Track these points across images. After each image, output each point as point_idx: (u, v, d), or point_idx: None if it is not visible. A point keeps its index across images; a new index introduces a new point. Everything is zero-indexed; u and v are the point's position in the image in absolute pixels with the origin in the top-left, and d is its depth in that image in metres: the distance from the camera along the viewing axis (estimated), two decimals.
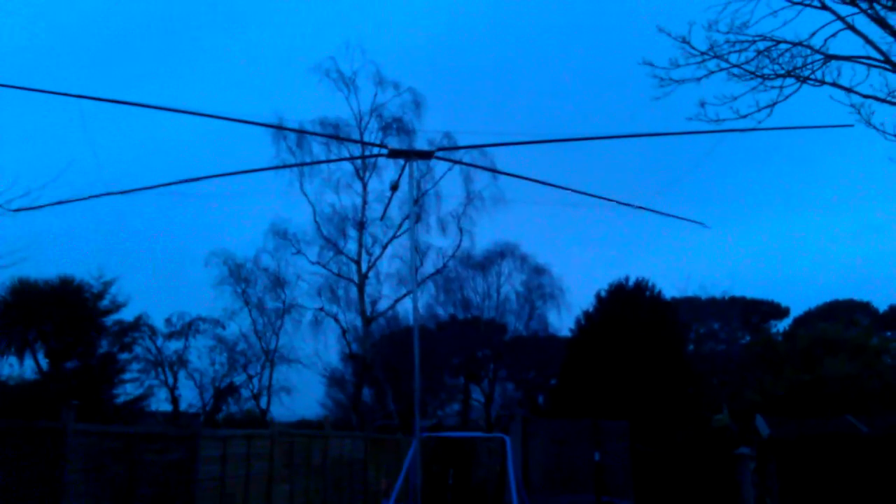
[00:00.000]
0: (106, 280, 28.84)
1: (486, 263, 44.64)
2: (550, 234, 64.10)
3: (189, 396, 35.42)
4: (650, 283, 31.17)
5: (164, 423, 28.54)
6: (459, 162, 33.26)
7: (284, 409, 37.83)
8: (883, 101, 12.69)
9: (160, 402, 33.66)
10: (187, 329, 35.21)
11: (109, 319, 29.52)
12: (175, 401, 34.42)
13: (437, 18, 64.90)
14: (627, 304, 30.08)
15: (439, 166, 36.43)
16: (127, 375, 31.09)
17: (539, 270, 44.66)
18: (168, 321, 34.98)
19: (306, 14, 65.55)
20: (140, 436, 13.40)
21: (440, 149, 15.91)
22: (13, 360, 26.97)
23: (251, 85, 57.88)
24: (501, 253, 44.61)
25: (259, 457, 16.81)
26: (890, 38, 12.48)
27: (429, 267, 39.64)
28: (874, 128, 12.89)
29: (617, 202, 9.94)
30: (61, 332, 26.96)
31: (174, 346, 34.96)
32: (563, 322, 43.12)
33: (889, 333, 44.85)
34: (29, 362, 27.14)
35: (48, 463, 10.93)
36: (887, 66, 12.53)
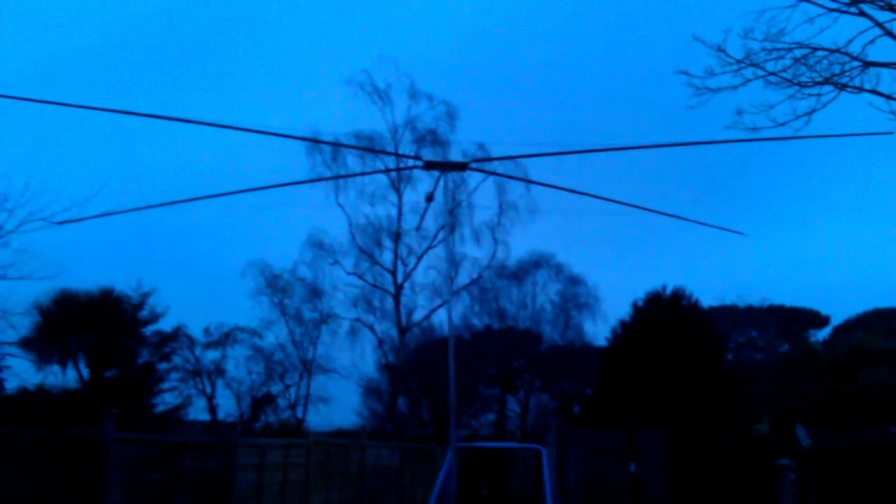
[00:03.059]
0: (145, 291, 29.21)
1: (521, 273, 44.56)
2: (586, 244, 63.62)
3: (227, 406, 35.66)
4: (687, 292, 30.91)
5: (202, 432, 28.80)
6: (493, 173, 33.36)
7: (321, 419, 37.95)
8: None
9: (198, 412, 33.97)
10: (225, 339, 35.45)
11: (148, 330, 29.90)
12: (213, 410, 34.69)
13: (471, 30, 65.03)
14: (664, 312, 29.82)
15: (473, 177, 36.53)
16: (166, 385, 31.47)
17: (574, 280, 44.49)
18: (206, 331, 35.27)
19: (340, 27, 65.97)
20: (178, 444, 13.56)
21: (474, 160, 15.94)
22: (56, 369, 27.40)
23: (286, 98, 58.36)
24: (536, 263, 44.52)
25: (295, 465, 16.91)
26: None
27: (464, 277, 39.79)
28: None
29: (653, 211, 9.89)
30: (102, 343, 27.34)
31: (212, 355, 35.20)
32: (598, 332, 42.85)
33: None
34: (71, 372, 27.56)
35: (89, 471, 11.10)
36: None
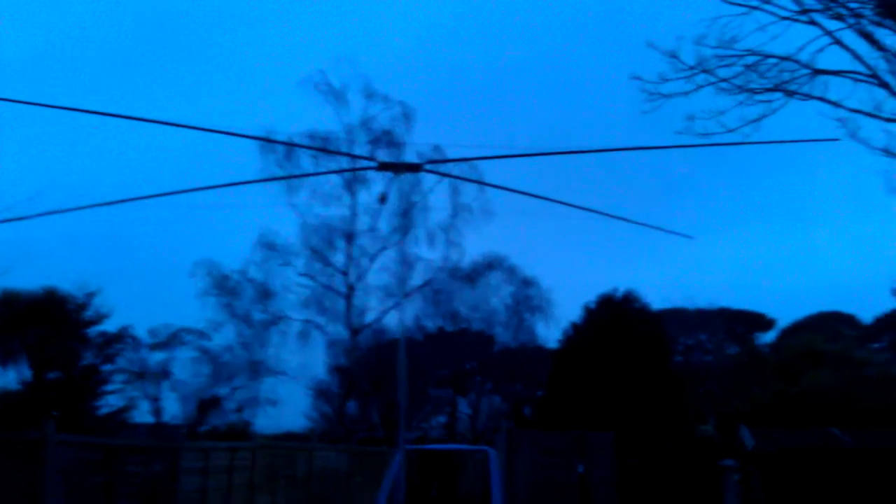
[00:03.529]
0: (89, 291, 28.64)
1: (475, 275, 44.54)
2: (539, 246, 64.00)
3: (172, 408, 35.16)
4: (638, 295, 31.23)
5: (146, 435, 28.31)
6: (447, 175, 33.31)
7: (270, 422, 37.51)
8: (869, 115, 12.78)
9: (143, 414, 33.36)
10: (171, 340, 34.95)
11: (93, 331, 29.32)
12: (158, 413, 34.16)
13: (428, 32, 65.01)
14: (615, 315, 30.09)
15: (428, 179, 36.45)
16: (110, 387, 30.87)
17: (527, 282, 44.61)
18: (152, 332, 34.71)
19: (295, 27, 65.43)
20: (122, 447, 13.27)
21: (429, 161, 15.92)
22: None
23: (240, 97, 57.59)
24: (490, 265, 44.54)
25: (241, 469, 16.66)
26: (877, 53, 12.57)
27: (417, 279, 39.61)
28: (861, 142, 12.97)
29: (604, 214, 9.94)
30: (45, 343, 26.76)
31: (158, 357, 34.69)
32: (551, 334, 42.97)
33: (875, 346, 45.06)
34: (12, 373, 26.94)
35: (29, 474, 10.79)
36: (874, 81, 12.61)
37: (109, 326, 30.12)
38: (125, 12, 61.83)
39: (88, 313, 28.81)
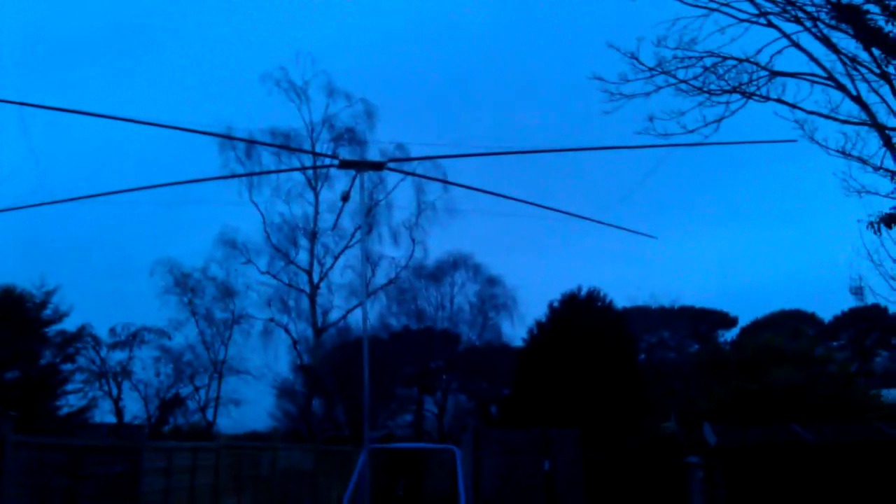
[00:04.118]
0: (48, 289, 28.27)
1: (439, 274, 44.72)
2: (503, 245, 64.37)
3: (134, 408, 34.81)
4: (602, 293, 31.47)
5: (107, 436, 27.96)
6: (411, 173, 33.32)
7: (233, 421, 37.31)
8: (826, 116, 12.99)
9: (104, 414, 33.01)
10: (132, 339, 34.59)
11: (52, 329, 28.93)
12: (119, 412, 33.80)
13: (390, 30, 65.03)
14: (579, 313, 30.30)
15: (391, 177, 36.48)
16: (70, 386, 30.49)
17: (492, 281, 44.88)
18: (112, 331, 34.33)
19: (255, 23, 65.12)
20: (82, 448, 13.10)
21: (392, 160, 15.91)
22: None
23: (199, 93, 57.10)
24: (454, 263, 44.74)
25: (205, 469, 16.55)
26: (833, 56, 12.77)
27: (381, 277, 39.63)
28: (817, 143, 13.19)
29: (569, 214, 10.04)
30: (2, 342, 26.30)
31: (118, 356, 34.34)
32: (516, 332, 43.30)
33: (834, 344, 45.86)
34: None
35: None
36: (830, 83, 12.82)
37: (69, 325, 29.84)
38: (82, 6, 60.96)
39: (47, 312, 28.45)
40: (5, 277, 27.50)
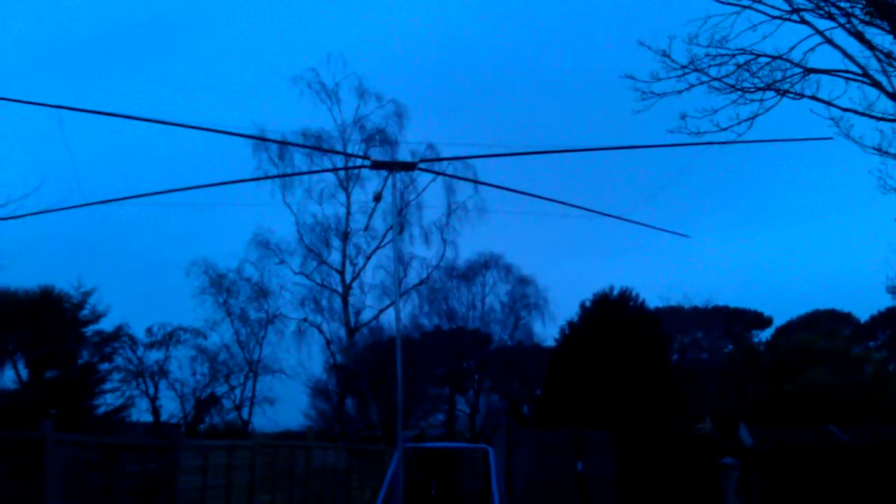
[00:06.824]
0: (86, 290, 28.60)
1: (471, 274, 44.72)
2: (534, 245, 64.26)
3: (170, 407, 35.08)
4: (634, 293, 31.32)
5: (144, 434, 28.31)
6: (442, 173, 33.34)
7: (267, 420, 37.54)
8: (861, 114, 12.82)
9: (141, 413, 33.32)
10: (168, 339, 34.89)
11: (89, 329, 29.28)
12: (156, 411, 34.11)
13: (421, 30, 65.19)
14: (611, 313, 30.18)
15: (422, 177, 36.42)
16: (107, 386, 30.80)
17: (523, 281, 44.79)
18: (149, 331, 34.65)
19: (287, 25, 65.56)
20: (120, 446, 13.30)
21: (423, 160, 15.95)
22: None
23: (232, 96, 57.69)
24: (486, 263, 44.72)
25: (240, 468, 16.69)
26: (868, 52, 12.62)
27: (413, 277, 39.66)
28: (853, 140, 13.02)
29: (600, 213, 9.98)
30: (41, 342, 26.70)
31: (155, 356, 34.61)
32: (547, 332, 43.23)
33: (871, 344, 45.19)
34: (9, 372, 26.86)
35: (27, 473, 10.82)
36: (865, 80, 12.66)
37: (106, 325, 30.12)
38: (118, 9, 61.79)
39: (85, 312, 28.77)
40: (44, 279, 27.90)
